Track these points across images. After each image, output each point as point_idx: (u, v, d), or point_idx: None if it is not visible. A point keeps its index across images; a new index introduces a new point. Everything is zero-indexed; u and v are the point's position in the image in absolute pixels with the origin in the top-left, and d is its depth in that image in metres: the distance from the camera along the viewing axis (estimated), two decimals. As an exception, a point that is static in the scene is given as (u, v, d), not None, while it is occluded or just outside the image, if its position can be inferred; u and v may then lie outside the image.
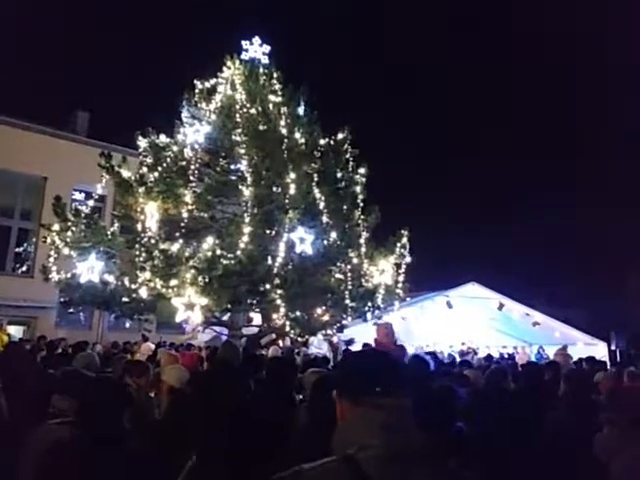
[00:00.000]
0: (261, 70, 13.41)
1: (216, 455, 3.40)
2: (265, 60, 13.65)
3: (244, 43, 13.59)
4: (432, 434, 1.51)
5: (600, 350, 19.25)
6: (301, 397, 4.86)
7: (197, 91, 13.32)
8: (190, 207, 11.47)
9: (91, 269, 11.01)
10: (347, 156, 13.77)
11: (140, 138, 13.00)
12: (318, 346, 13.88)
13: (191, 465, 3.23)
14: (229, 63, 13.27)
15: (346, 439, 1.46)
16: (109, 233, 12.00)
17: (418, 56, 55.89)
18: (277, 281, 10.58)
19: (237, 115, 12.32)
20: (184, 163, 12.16)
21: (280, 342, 12.98)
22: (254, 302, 11.94)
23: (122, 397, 2.94)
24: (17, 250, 21.31)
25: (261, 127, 12.26)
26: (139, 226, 11.16)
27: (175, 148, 12.68)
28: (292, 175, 11.60)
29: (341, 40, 60.62)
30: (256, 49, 13.61)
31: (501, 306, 19.66)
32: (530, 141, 55.28)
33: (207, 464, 3.27)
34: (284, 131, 12.47)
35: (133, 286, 10.80)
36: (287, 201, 11.34)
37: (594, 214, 33.26)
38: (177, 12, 55.06)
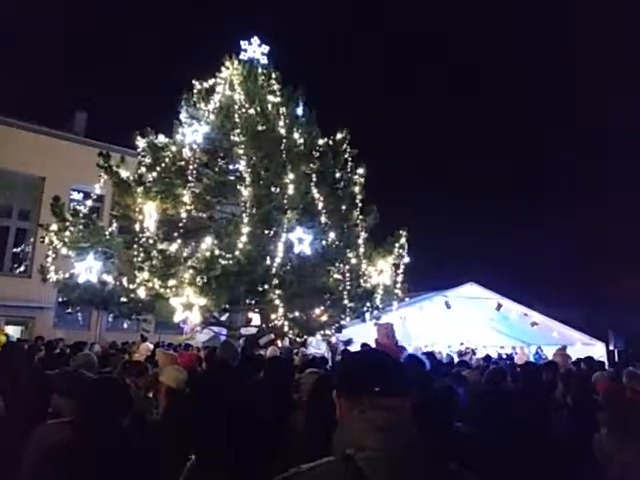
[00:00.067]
0: (260, 70, 13.41)
1: (215, 455, 3.40)
2: (264, 60, 13.66)
3: (243, 43, 13.61)
4: (432, 434, 1.51)
5: (598, 350, 19.28)
6: (299, 397, 4.85)
7: (196, 91, 13.33)
8: (188, 207, 11.48)
9: (89, 269, 11.00)
10: (346, 156, 13.80)
11: (139, 138, 13.00)
12: (317, 346, 13.87)
13: (191, 465, 3.24)
14: (228, 63, 13.27)
15: (345, 439, 1.46)
16: (107, 233, 11.98)
17: (418, 56, 55.98)
18: (275, 281, 10.59)
19: (236, 115, 12.33)
20: (183, 163, 12.16)
21: (279, 342, 12.95)
22: (253, 302, 11.96)
23: (123, 397, 2.94)
24: (15, 250, 21.27)
25: (260, 127, 12.26)
26: (137, 226, 11.16)
27: (174, 148, 12.68)
28: (291, 175, 11.62)
29: (340, 40, 60.60)
30: (255, 49, 13.62)
31: (499, 306, 19.67)
32: (530, 141, 55.31)
33: (206, 464, 3.27)
34: (283, 131, 12.48)
35: (131, 286, 10.80)
36: (285, 201, 11.35)
37: (593, 214, 33.33)
38: (176, 12, 55.01)
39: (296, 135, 12.79)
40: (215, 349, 7.77)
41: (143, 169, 12.51)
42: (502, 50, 53.76)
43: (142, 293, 10.64)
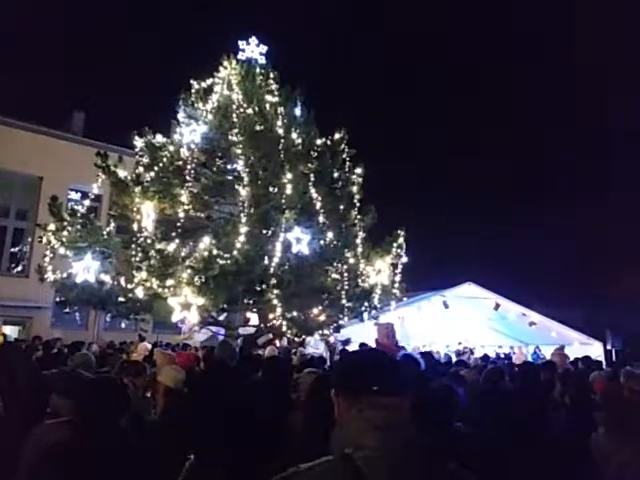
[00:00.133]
0: (258, 70, 13.40)
1: (213, 455, 3.40)
2: (262, 60, 13.64)
3: (241, 43, 13.58)
4: (430, 434, 1.51)
5: (596, 350, 19.33)
6: (298, 397, 4.85)
7: (194, 91, 13.31)
8: (186, 207, 11.47)
9: (87, 269, 10.99)
10: (344, 156, 13.81)
11: (136, 138, 12.98)
12: (315, 346, 13.87)
13: (190, 464, 3.24)
14: (226, 63, 13.26)
15: (344, 438, 1.46)
16: (105, 233, 11.98)
17: (418, 56, 55.97)
18: (273, 281, 10.59)
19: (234, 115, 12.32)
20: (180, 163, 12.15)
21: (277, 342, 12.94)
22: (251, 302, 11.95)
23: (121, 397, 2.94)
24: (13, 250, 21.23)
25: (257, 127, 12.25)
26: (135, 226, 11.15)
27: (171, 148, 12.66)
28: (289, 175, 11.62)
29: (340, 40, 60.61)
30: (253, 49, 13.60)
31: (497, 306, 19.70)
32: (530, 141, 55.36)
33: (205, 464, 3.27)
34: (281, 131, 12.48)
35: (129, 286, 10.79)
36: (284, 201, 11.35)
37: (593, 214, 33.38)
38: (175, 12, 54.98)
39: (294, 135, 12.79)
40: (213, 349, 7.76)
41: (141, 169, 12.50)
42: (502, 50, 53.86)
43: (140, 293, 10.63)
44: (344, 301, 11.83)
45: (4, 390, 4.11)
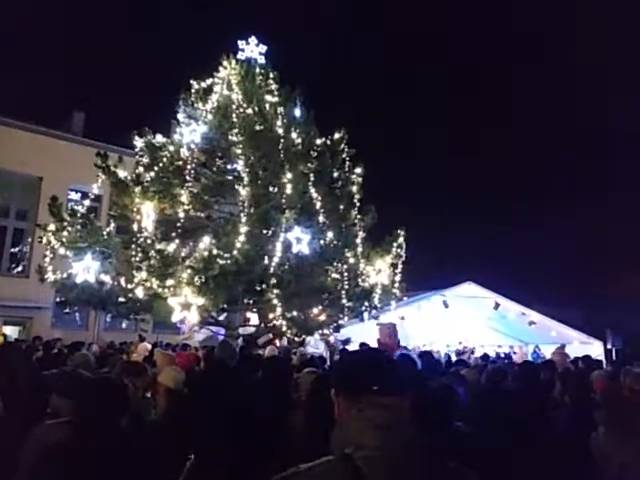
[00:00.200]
0: (257, 70, 13.40)
1: (214, 454, 3.40)
2: (261, 60, 13.64)
3: (240, 43, 13.58)
4: (430, 434, 1.51)
5: (596, 349, 19.33)
6: (298, 397, 4.85)
7: (193, 91, 13.32)
8: (186, 207, 11.47)
9: (87, 269, 10.99)
10: (344, 156, 13.81)
11: (136, 138, 12.99)
12: (315, 346, 13.87)
13: (190, 464, 3.24)
14: (225, 63, 13.27)
15: (344, 438, 1.46)
16: (105, 233, 11.99)
17: (418, 56, 55.92)
18: (274, 281, 10.59)
19: (233, 115, 12.32)
20: (180, 163, 12.16)
21: (277, 342, 12.94)
22: (251, 302, 11.96)
23: (121, 397, 2.94)
24: (13, 250, 21.23)
25: (257, 127, 12.26)
26: (135, 226, 11.15)
27: (171, 148, 12.67)
28: (288, 175, 11.62)
29: (340, 40, 60.58)
30: (252, 49, 13.60)
31: (497, 305, 19.70)
32: (530, 141, 55.34)
33: (205, 463, 3.27)
34: (280, 131, 12.48)
35: (129, 286, 10.80)
36: (283, 201, 11.36)
37: (593, 214, 33.37)
38: (175, 12, 54.96)
39: (294, 135, 12.79)
40: (213, 349, 7.76)
41: (141, 169, 12.51)
42: (502, 50, 53.80)
43: (140, 293, 10.63)
44: (344, 301, 11.84)
45: (4, 390, 4.11)
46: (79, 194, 19.27)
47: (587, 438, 3.74)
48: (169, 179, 12.06)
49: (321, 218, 11.95)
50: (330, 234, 11.98)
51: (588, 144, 44.33)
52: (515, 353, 19.03)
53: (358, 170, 13.80)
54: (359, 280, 12.50)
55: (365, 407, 1.48)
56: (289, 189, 11.49)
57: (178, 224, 11.16)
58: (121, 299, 11.24)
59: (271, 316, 11.32)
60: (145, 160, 12.72)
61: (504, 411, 4.19)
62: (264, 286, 10.67)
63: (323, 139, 13.51)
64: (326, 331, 12.64)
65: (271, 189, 11.82)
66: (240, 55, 13.47)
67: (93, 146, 18.04)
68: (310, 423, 3.67)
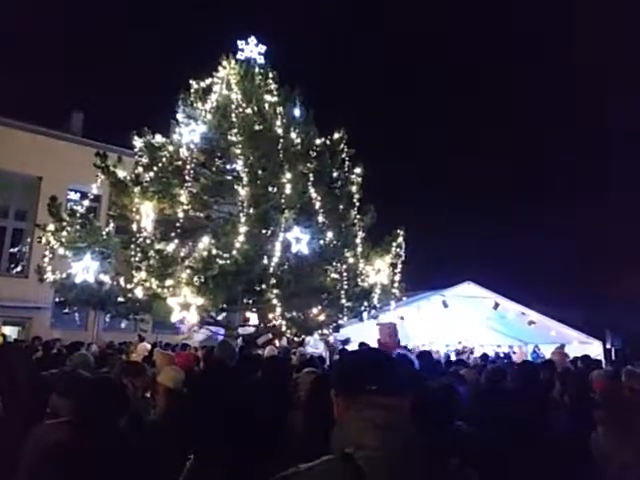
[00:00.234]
0: (257, 70, 13.40)
1: (213, 454, 3.40)
2: (261, 60, 13.64)
3: (240, 43, 13.58)
4: (430, 434, 1.51)
5: (595, 349, 19.34)
6: (297, 397, 4.85)
7: (193, 91, 13.31)
8: (186, 207, 11.47)
9: (86, 269, 10.99)
10: (343, 156, 13.80)
11: (136, 138, 12.98)
12: (314, 346, 13.87)
13: (190, 464, 3.24)
14: (224, 63, 13.27)
15: (344, 438, 1.46)
16: (104, 233, 11.98)
17: (418, 56, 55.89)
18: (273, 281, 10.59)
19: (233, 115, 12.32)
20: (180, 163, 12.15)
21: (276, 342, 12.95)
22: (250, 302, 11.95)
23: (120, 397, 2.94)
24: (12, 250, 21.22)
25: (257, 127, 12.25)
26: (134, 226, 11.15)
27: (171, 148, 12.66)
28: (288, 175, 11.62)
29: (340, 40, 60.56)
30: (252, 49, 13.60)
31: (496, 305, 19.70)
32: (530, 141, 55.34)
33: (205, 463, 3.27)
34: (280, 131, 12.48)
35: (129, 286, 10.79)
36: (283, 201, 11.35)
37: (593, 214, 33.37)
38: (175, 12, 54.92)
39: (293, 135, 12.79)
40: (213, 349, 7.75)
41: (140, 169, 12.50)
42: (502, 50, 53.75)
43: (139, 293, 10.63)
44: (343, 301, 11.84)
45: (4, 390, 4.11)
46: (78, 194, 19.27)
47: (587, 438, 3.74)
48: (168, 179, 12.06)
49: (320, 218, 11.95)
50: (329, 234, 11.98)
51: (588, 144, 44.36)
52: (515, 353, 19.02)
53: (358, 170, 13.80)
54: (358, 280, 12.50)
55: (365, 407, 1.48)
56: (288, 189, 11.49)
57: (177, 224, 11.15)
58: (120, 299, 11.24)
59: (270, 316, 11.31)
60: (144, 160, 12.71)
61: (504, 411, 4.19)
62: (263, 286, 10.66)
63: (323, 139, 13.50)
64: (325, 331, 12.63)
65: (270, 189, 11.82)
66: (239, 55, 13.48)
67: (92, 146, 18.02)
68: (310, 423, 3.67)
